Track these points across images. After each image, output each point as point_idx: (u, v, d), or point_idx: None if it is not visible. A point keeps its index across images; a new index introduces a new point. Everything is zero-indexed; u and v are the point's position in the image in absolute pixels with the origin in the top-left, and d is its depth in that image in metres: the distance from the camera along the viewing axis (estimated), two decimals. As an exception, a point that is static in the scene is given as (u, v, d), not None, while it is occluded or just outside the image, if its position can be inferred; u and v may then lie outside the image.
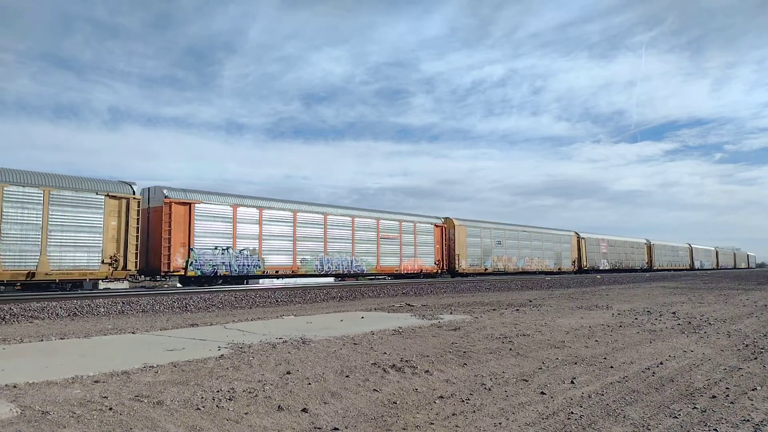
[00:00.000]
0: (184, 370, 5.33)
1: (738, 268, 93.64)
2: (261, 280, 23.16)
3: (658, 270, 59.13)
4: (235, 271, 21.14)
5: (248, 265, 21.59)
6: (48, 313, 11.64)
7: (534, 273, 39.09)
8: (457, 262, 32.63)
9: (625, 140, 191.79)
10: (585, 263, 46.77)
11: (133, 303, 13.43)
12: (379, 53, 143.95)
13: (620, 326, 9.45)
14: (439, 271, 31.25)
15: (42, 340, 7.64)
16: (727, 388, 5.05)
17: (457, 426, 3.87)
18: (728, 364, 6.23)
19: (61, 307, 12.20)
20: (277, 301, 16.02)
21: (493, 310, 12.46)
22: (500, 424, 3.93)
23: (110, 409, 3.96)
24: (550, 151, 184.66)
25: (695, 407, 4.41)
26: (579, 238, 46.85)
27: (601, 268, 49.01)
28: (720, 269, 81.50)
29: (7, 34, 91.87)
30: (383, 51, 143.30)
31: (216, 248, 20.62)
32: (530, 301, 15.30)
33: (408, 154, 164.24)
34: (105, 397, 4.26)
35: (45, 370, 5.29)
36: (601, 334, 8.51)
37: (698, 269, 72.36)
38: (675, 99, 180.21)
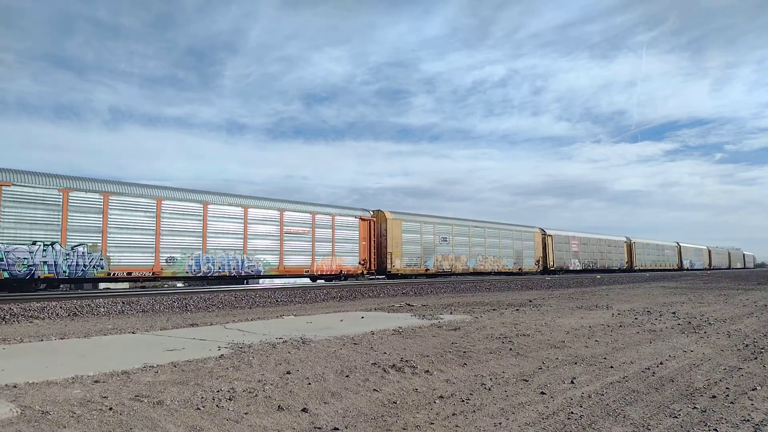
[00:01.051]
0: (184, 370, 5.33)
1: (733, 269, 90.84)
2: (101, 284, 20.65)
3: (639, 270, 55.65)
4: (65, 273, 17.09)
5: (85, 266, 17.56)
6: (48, 313, 11.64)
7: (488, 274, 35.57)
8: (389, 261, 28.51)
9: (625, 140, 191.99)
10: (551, 263, 42.98)
11: (133, 303, 13.43)
12: (380, 53, 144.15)
13: (620, 326, 9.44)
14: (365, 271, 27.20)
15: (42, 340, 7.64)
16: (727, 388, 5.05)
17: (457, 426, 3.87)
18: (728, 364, 6.23)
19: (61, 307, 12.20)
20: (277, 301, 16.03)
21: (493, 310, 12.46)
22: (500, 424, 3.93)
23: (110, 409, 3.96)
24: (550, 151, 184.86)
25: (695, 407, 4.40)
26: (545, 235, 43.15)
27: (571, 268, 45.31)
28: (713, 269, 78.26)
29: (8, 34, 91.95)
30: (384, 51, 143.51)
31: (35, 243, 16.59)
32: (530, 301, 15.30)
33: (408, 154, 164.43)
34: (105, 397, 4.26)
35: (45, 370, 5.29)
36: (601, 334, 8.51)
37: (688, 269, 69.04)
38: (675, 99, 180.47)
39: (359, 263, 26.91)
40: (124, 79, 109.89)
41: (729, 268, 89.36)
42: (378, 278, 27.27)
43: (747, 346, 7.50)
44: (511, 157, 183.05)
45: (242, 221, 22.22)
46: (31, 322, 10.64)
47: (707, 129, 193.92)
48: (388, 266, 28.53)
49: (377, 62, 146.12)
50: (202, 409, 4.05)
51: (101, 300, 13.66)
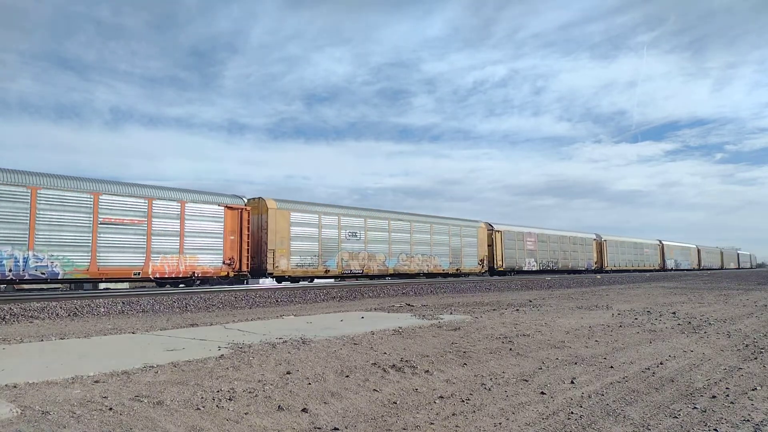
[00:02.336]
0: (184, 370, 5.33)
1: (727, 269, 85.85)
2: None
3: (612, 271, 50.23)
4: None
5: None
6: (48, 313, 11.64)
7: (414, 276, 30.33)
8: (270, 260, 23.06)
9: (625, 140, 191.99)
10: (500, 263, 36.98)
11: (133, 303, 13.43)
12: (381, 53, 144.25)
13: (620, 326, 9.44)
14: (232, 273, 21.78)
15: (42, 340, 7.64)
16: (727, 388, 5.05)
17: (457, 426, 3.87)
18: (728, 364, 6.23)
19: (61, 307, 12.20)
20: (277, 301, 16.03)
21: (493, 310, 12.46)
22: (500, 424, 3.93)
23: (110, 409, 3.96)
24: (551, 152, 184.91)
25: (695, 407, 4.40)
26: (492, 231, 36.99)
27: (525, 268, 39.48)
28: (702, 270, 72.96)
29: (10, 35, 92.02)
30: (385, 51, 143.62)
31: None
32: (530, 301, 15.30)
33: (409, 154, 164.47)
34: (105, 397, 4.26)
35: (45, 370, 5.28)
36: (601, 334, 8.51)
37: (672, 270, 63.17)
38: (676, 99, 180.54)
39: (224, 263, 21.43)
40: (126, 80, 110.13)
41: (722, 268, 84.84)
42: (252, 285, 21.99)
43: (747, 346, 7.50)
44: (512, 158, 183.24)
45: (27, 205, 16.39)
46: (31, 322, 10.64)
47: (708, 129, 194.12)
48: (269, 267, 23.00)
49: (378, 62, 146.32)
50: (202, 409, 4.05)
51: (101, 300, 13.66)
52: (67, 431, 3.50)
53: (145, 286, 21.19)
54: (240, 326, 9.16)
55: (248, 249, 22.41)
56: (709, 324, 9.91)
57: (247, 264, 22.37)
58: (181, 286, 20.43)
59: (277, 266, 23.40)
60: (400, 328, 8.86)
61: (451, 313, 11.50)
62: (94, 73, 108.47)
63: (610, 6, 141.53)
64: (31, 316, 11.26)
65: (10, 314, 11.10)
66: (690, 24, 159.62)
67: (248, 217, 22.50)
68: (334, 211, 26.55)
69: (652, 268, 59.34)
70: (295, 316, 11.40)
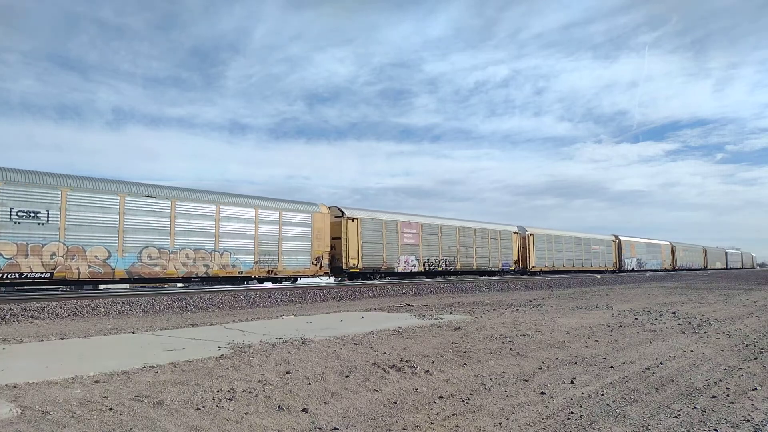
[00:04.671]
0: (184, 370, 5.33)
1: (712, 269, 76.71)
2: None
3: (543, 272, 41.57)
4: None
5: None
6: (48, 313, 11.63)
7: (174, 281, 20.12)
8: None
9: (626, 140, 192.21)
10: (354, 260, 26.59)
11: (133, 303, 13.43)
12: (383, 54, 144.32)
13: (620, 326, 9.44)
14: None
15: (42, 340, 7.64)
16: (727, 388, 5.05)
17: (457, 426, 3.87)
18: (728, 364, 6.23)
19: (61, 307, 12.20)
20: (277, 301, 16.02)
21: (493, 310, 12.46)
22: (500, 424, 3.93)
23: (110, 409, 3.96)
24: (551, 152, 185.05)
25: (695, 407, 4.40)
26: (343, 218, 26.60)
27: (399, 269, 29.22)
28: (678, 270, 63.80)
29: (13, 35, 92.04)
30: (387, 52, 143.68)
31: None
32: (530, 301, 15.30)
33: (410, 154, 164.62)
34: (105, 397, 4.26)
35: (45, 370, 5.28)
36: (601, 334, 8.51)
37: (633, 270, 53.60)
38: (677, 99, 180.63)
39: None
40: (128, 80, 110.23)
41: (705, 268, 75.47)
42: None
43: (747, 346, 7.50)
44: (513, 158, 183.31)
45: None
46: (31, 322, 10.63)
47: (709, 129, 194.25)
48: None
49: (380, 63, 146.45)
50: (202, 409, 4.05)
51: (101, 300, 13.66)
52: (67, 431, 3.50)
53: (153, 287, 21.18)
54: (240, 326, 9.16)
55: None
56: (709, 324, 9.91)
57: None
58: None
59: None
60: (400, 328, 8.86)
61: (451, 313, 11.50)
62: (97, 74, 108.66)
63: (612, 6, 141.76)
64: (31, 316, 11.26)
65: (10, 314, 11.10)
66: (692, 24, 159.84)
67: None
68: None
69: (603, 268, 49.78)
70: (295, 316, 11.40)
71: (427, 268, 31.11)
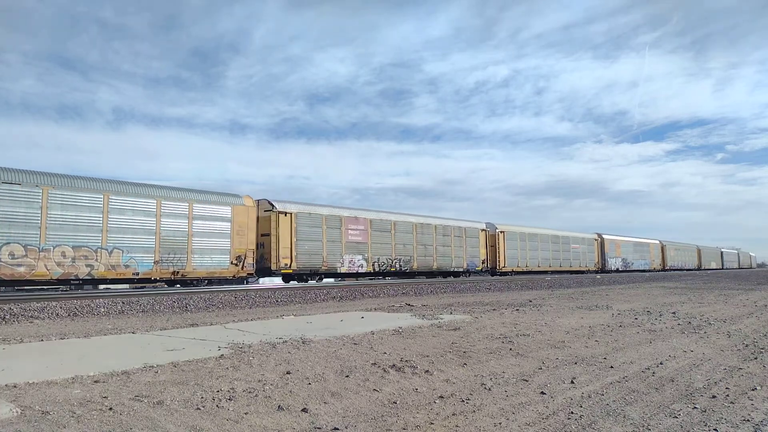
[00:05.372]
0: (184, 370, 5.33)
1: (706, 269, 73.82)
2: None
3: (514, 273, 38.56)
4: None
5: None
6: (48, 313, 11.63)
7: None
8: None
9: (627, 140, 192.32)
10: (286, 260, 23.54)
11: (133, 303, 13.43)
12: (384, 54, 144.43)
13: (620, 326, 9.44)
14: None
15: (42, 340, 7.64)
16: (727, 388, 5.05)
17: (457, 426, 3.87)
18: (728, 364, 6.23)
19: (61, 307, 12.20)
20: (277, 301, 16.02)
21: (493, 310, 12.46)
22: (500, 424, 3.93)
23: (110, 409, 3.96)
24: (552, 152, 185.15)
25: (695, 407, 4.40)
26: (273, 212, 23.59)
27: (343, 270, 26.36)
28: (668, 270, 61.05)
29: (13, 35, 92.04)
30: (387, 52, 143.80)
31: None
32: (530, 301, 15.30)
33: (410, 154, 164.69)
34: (105, 397, 4.26)
35: (45, 370, 5.28)
36: (601, 334, 8.51)
37: (618, 271, 50.93)
38: (677, 99, 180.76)
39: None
40: (128, 80, 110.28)
41: (699, 268, 72.43)
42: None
43: (747, 346, 7.50)
44: (513, 158, 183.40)
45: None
46: (31, 322, 10.63)
47: (709, 129, 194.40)
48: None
49: (381, 63, 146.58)
50: (202, 409, 4.05)
51: (101, 300, 13.66)
52: (67, 431, 3.49)
53: (154, 287, 21.20)
54: (240, 326, 9.16)
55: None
56: (709, 324, 9.90)
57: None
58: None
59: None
60: (400, 328, 8.86)
61: (450, 313, 11.50)
62: (97, 74, 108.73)
63: (613, 6, 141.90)
64: (31, 316, 11.26)
65: (10, 314, 11.09)
66: (692, 24, 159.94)
67: None
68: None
69: (584, 269, 47.00)
70: (295, 316, 11.39)
71: (376, 269, 28.05)
